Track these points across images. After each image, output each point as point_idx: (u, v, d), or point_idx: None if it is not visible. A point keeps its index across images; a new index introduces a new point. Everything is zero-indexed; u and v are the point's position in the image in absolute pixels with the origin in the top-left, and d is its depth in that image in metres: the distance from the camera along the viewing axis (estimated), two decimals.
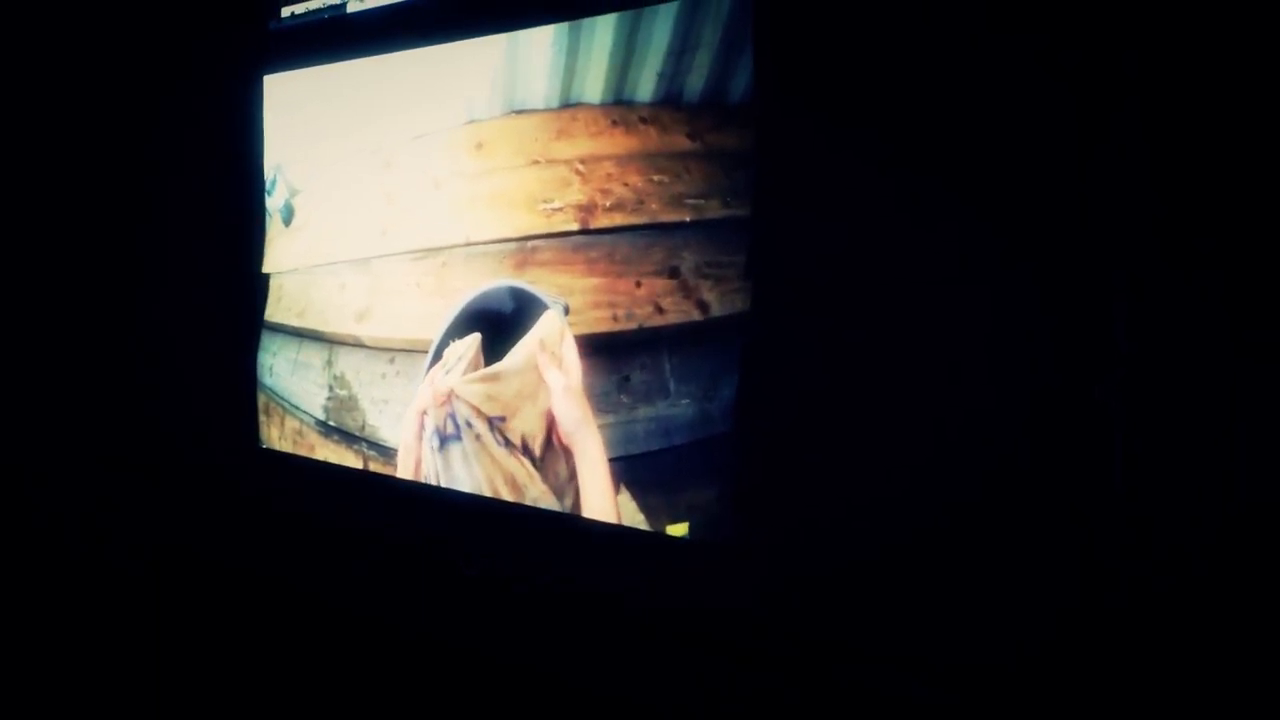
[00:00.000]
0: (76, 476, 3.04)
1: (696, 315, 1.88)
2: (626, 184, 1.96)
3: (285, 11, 2.64)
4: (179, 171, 2.96)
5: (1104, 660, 1.40)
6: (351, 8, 2.50)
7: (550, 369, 2.05)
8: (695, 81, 1.86)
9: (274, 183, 2.72)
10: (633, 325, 1.96)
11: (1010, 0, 1.49)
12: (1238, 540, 1.29)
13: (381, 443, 2.45)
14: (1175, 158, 1.35)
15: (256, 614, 2.66)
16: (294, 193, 2.68)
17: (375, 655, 2.41)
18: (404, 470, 2.35)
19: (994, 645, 1.50)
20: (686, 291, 1.89)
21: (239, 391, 2.80)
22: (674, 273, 1.90)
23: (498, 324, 2.18)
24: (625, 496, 1.99)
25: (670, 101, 1.90)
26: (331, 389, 2.58)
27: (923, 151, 1.59)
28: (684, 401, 1.90)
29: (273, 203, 2.73)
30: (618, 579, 2.01)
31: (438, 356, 2.28)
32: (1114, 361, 1.39)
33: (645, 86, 1.93)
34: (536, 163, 2.09)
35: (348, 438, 2.54)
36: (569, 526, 2.06)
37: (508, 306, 2.15)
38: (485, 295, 2.20)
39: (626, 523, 1.97)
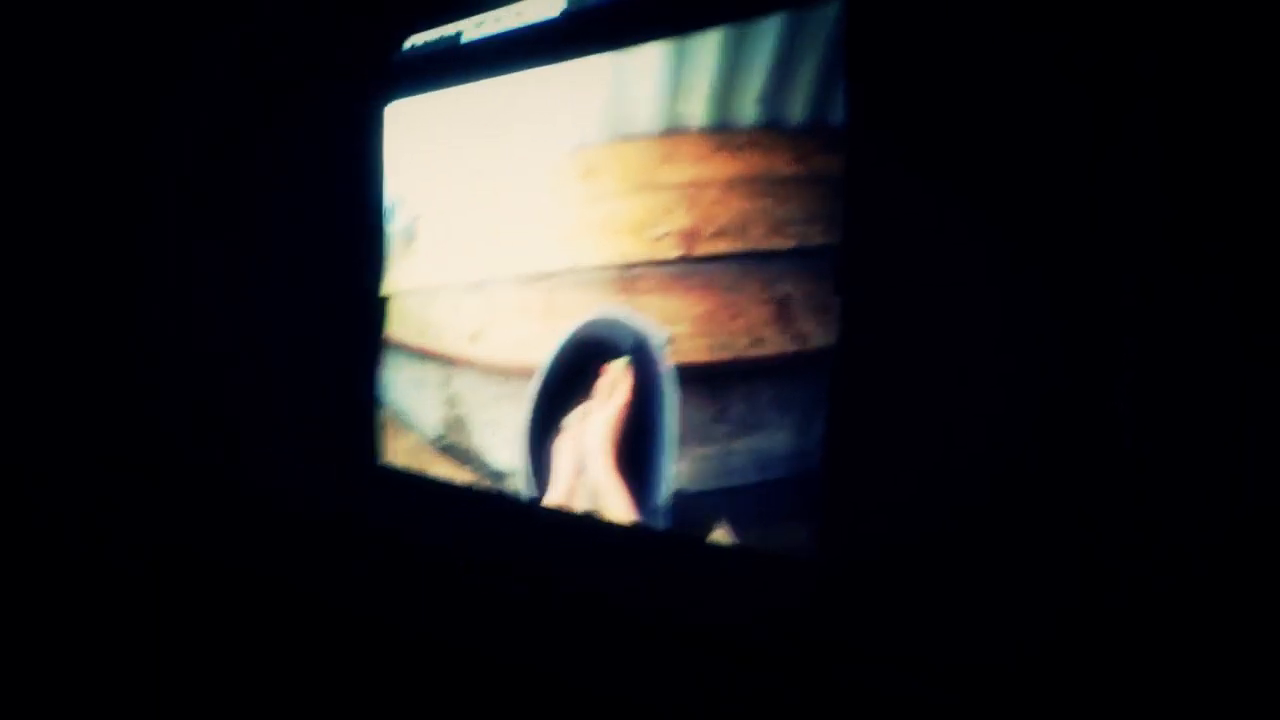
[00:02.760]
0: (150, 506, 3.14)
1: (795, 346, 1.82)
2: (730, 209, 1.91)
3: (407, 44, 2.72)
4: (306, 201, 3.06)
5: (1107, 663, 1.38)
6: (466, 37, 2.55)
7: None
8: (797, 105, 1.81)
9: (397, 206, 2.79)
10: (729, 355, 1.92)
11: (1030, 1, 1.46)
12: (1245, 543, 1.27)
13: (489, 464, 2.48)
14: (1186, 160, 1.31)
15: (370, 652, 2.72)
16: (416, 216, 2.74)
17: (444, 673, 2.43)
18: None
19: (999, 646, 1.48)
20: (786, 322, 1.83)
21: (361, 410, 2.87)
22: (775, 302, 1.84)
23: (601, 353, 2.17)
24: (722, 532, 1.94)
25: (773, 125, 1.85)
26: (446, 408, 2.62)
27: (937, 152, 1.57)
28: (780, 434, 1.84)
29: (397, 225, 2.80)
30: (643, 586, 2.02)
31: (547, 385, 2.30)
32: (1123, 364, 1.38)
33: (747, 110, 1.88)
34: (643, 188, 2.07)
35: (460, 456, 2.58)
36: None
37: (610, 336, 2.14)
38: (589, 325, 2.20)
39: None
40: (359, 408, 2.89)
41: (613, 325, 2.13)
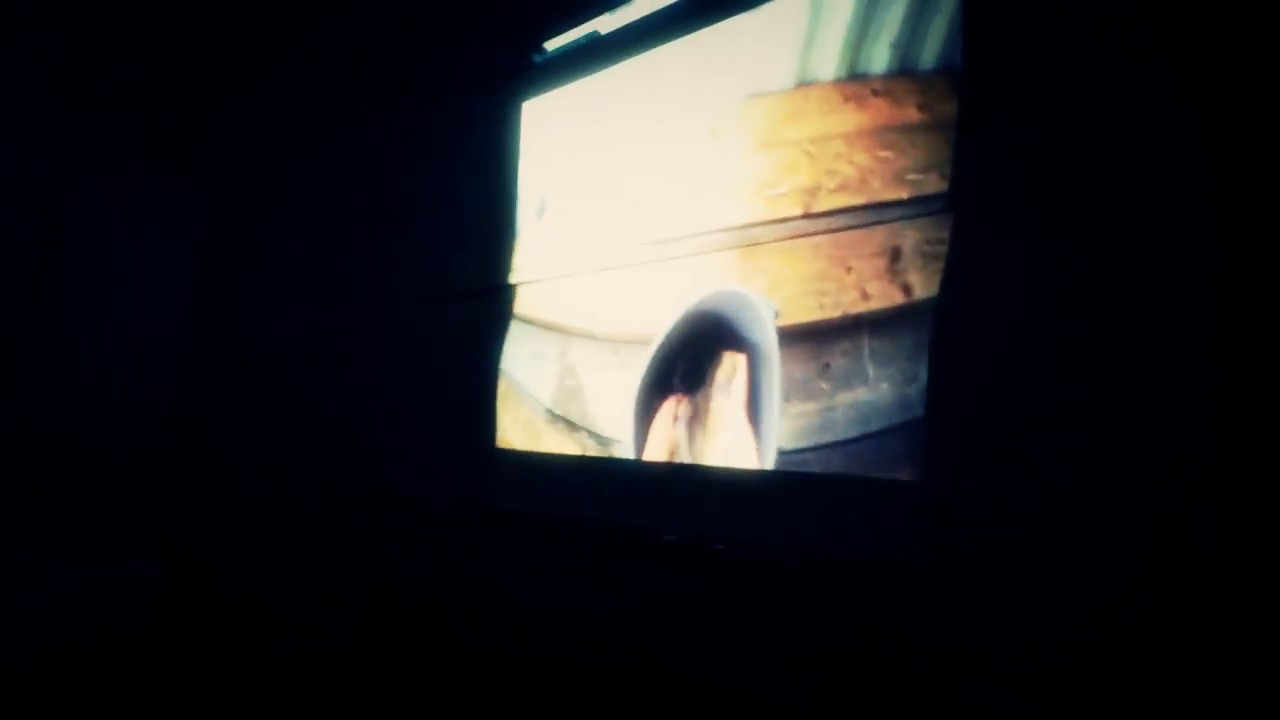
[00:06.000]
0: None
1: (899, 299, 1.78)
2: (852, 162, 1.90)
3: (549, 45, 2.79)
4: (451, 192, 3.19)
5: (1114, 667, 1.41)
6: (604, 29, 2.60)
7: None
8: (930, 49, 1.78)
9: (528, 185, 2.87)
10: (838, 313, 1.88)
11: None
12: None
13: (599, 433, 2.47)
14: None
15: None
16: (546, 194, 2.80)
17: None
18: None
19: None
20: (894, 274, 1.79)
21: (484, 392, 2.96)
22: (886, 254, 1.80)
23: (716, 328, 2.18)
24: None
25: (904, 71, 1.83)
26: (562, 379, 2.64)
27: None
28: (883, 386, 1.78)
29: (527, 202, 2.86)
30: None
31: (664, 355, 2.31)
32: None
33: (879, 58, 1.87)
34: (767, 146, 2.07)
35: (570, 426, 2.58)
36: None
37: (726, 312, 2.15)
38: (706, 301, 2.21)
39: None
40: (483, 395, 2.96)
41: (730, 301, 2.14)
